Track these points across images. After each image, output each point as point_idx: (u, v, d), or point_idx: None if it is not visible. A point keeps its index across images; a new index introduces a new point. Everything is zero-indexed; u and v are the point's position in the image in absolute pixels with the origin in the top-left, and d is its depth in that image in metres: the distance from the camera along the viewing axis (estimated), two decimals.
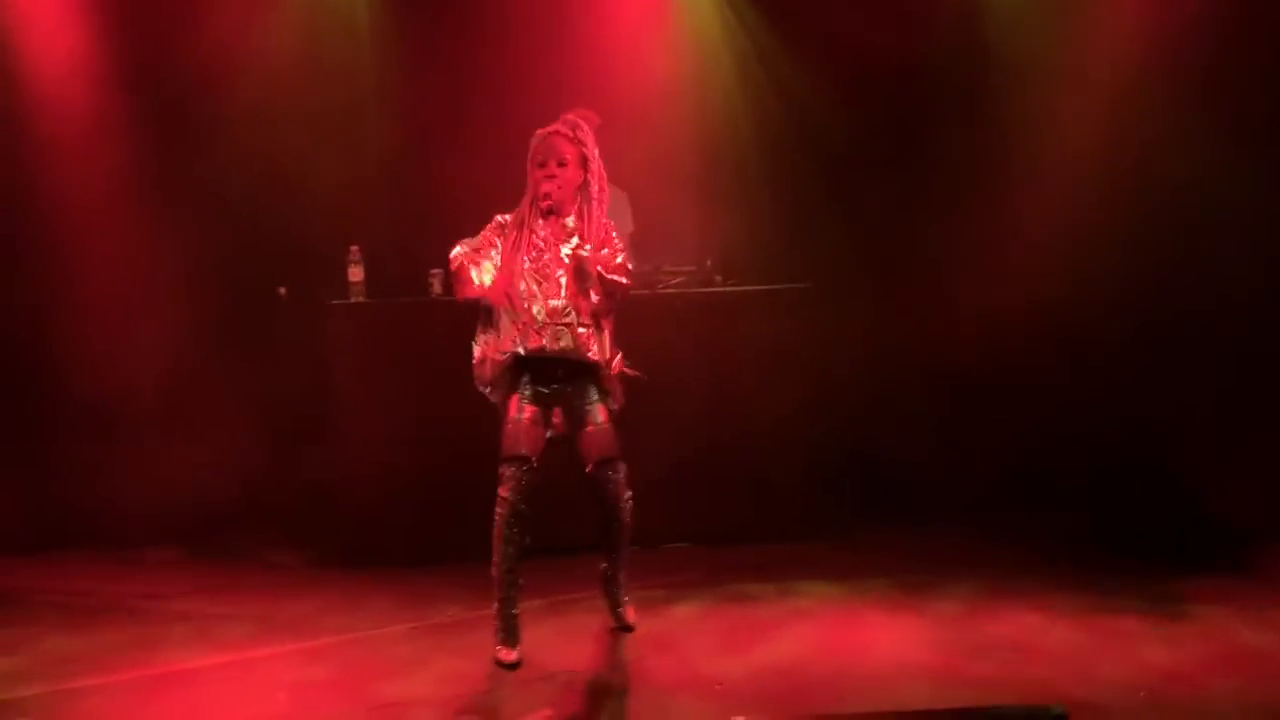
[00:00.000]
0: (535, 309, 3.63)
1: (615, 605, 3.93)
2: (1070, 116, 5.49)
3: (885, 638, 3.89)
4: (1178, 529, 4.82)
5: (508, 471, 3.66)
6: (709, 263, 5.46)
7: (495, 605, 3.72)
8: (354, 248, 5.03)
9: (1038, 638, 3.83)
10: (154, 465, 5.41)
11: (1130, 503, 5.11)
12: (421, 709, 3.36)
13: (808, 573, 4.63)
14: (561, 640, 3.89)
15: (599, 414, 3.71)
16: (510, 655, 3.66)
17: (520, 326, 3.65)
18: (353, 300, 5.03)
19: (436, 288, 5.13)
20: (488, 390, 3.79)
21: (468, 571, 4.68)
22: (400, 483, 4.95)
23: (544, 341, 3.63)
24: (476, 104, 5.81)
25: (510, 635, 3.69)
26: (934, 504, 5.37)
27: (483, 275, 3.62)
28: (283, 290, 5.46)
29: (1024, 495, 5.29)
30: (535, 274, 3.64)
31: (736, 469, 5.06)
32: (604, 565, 3.93)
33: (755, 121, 6.09)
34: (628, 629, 3.89)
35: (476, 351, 3.78)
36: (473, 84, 5.88)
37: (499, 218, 3.77)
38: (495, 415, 4.87)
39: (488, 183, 5.63)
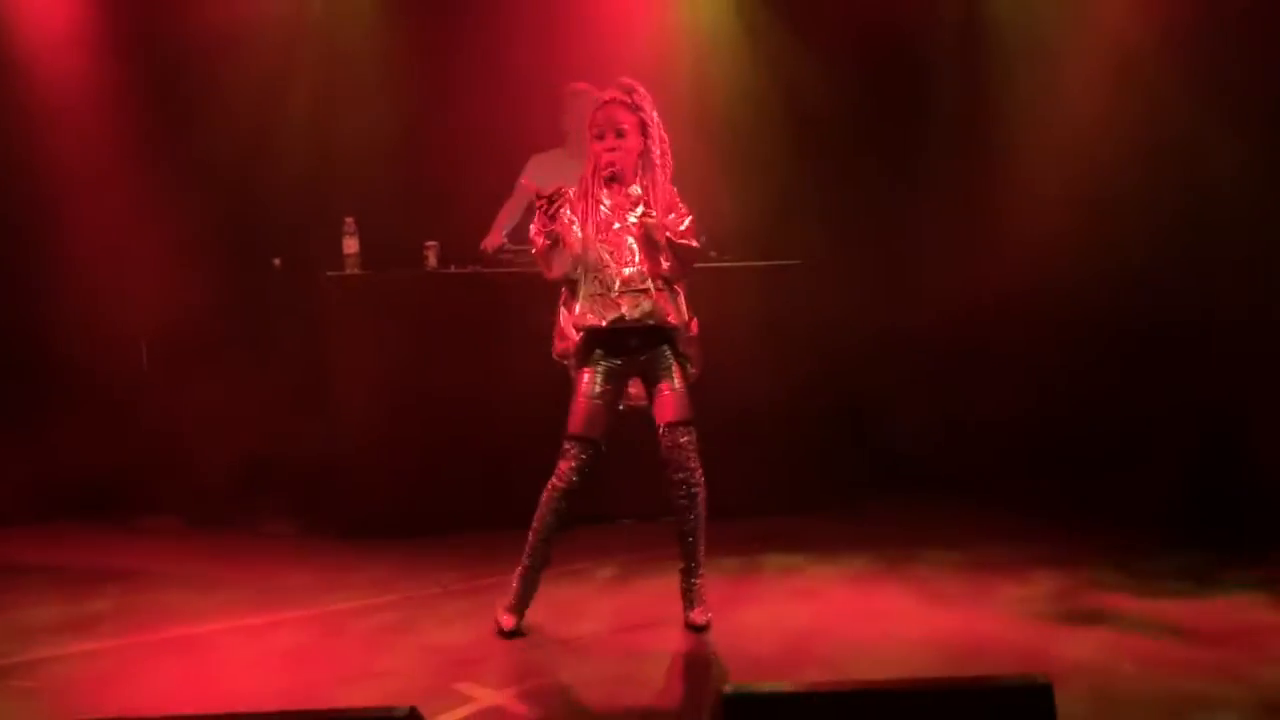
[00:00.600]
0: (610, 279, 3.60)
1: (686, 603, 3.74)
2: (1072, 95, 5.45)
3: (879, 608, 3.93)
4: (1173, 504, 4.84)
5: (572, 450, 3.62)
6: (704, 239, 5.45)
7: (519, 569, 3.70)
8: (349, 219, 5.02)
9: (1026, 609, 3.87)
10: (149, 435, 5.44)
11: (1128, 478, 5.13)
12: (414, 677, 3.38)
13: (804, 545, 4.66)
14: (556, 611, 3.90)
15: (675, 378, 3.65)
16: (510, 622, 3.67)
17: (596, 298, 3.61)
18: (347, 272, 5.03)
19: (431, 260, 5.14)
20: (567, 362, 3.75)
21: (462, 543, 4.77)
22: (395, 454, 4.97)
23: (622, 310, 3.59)
24: (471, 77, 5.79)
25: (520, 604, 3.69)
26: (932, 478, 5.40)
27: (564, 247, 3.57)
28: (277, 261, 5.45)
29: (1023, 469, 5.31)
30: (606, 244, 3.61)
31: (734, 444, 5.07)
32: (680, 565, 3.76)
33: (751, 98, 6.06)
34: (696, 629, 3.68)
35: (560, 322, 3.74)
36: (468, 57, 5.87)
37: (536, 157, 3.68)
38: (487, 384, 4.94)
39: (482, 155, 5.69)
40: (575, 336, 3.69)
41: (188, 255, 5.42)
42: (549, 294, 4.85)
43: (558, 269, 3.65)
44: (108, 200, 5.51)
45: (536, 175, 5.48)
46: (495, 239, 5.31)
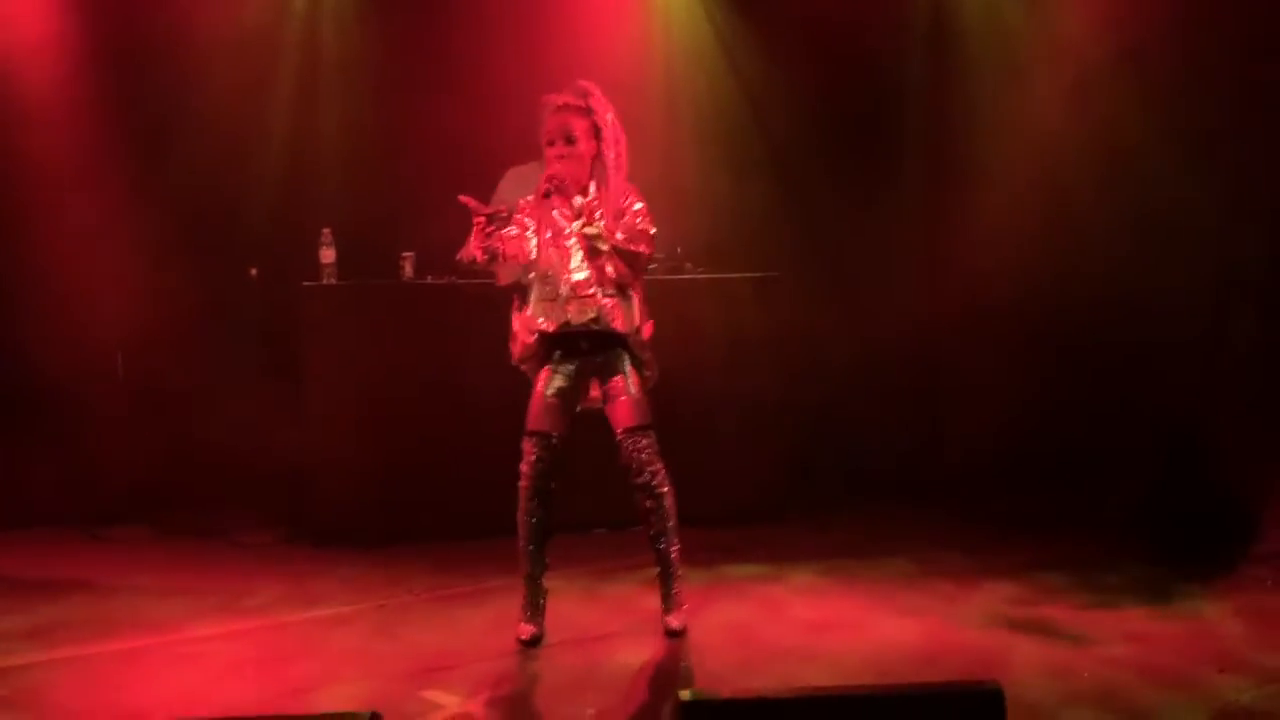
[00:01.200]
0: (560, 284, 3.63)
1: (664, 608, 3.75)
2: (1039, 106, 5.54)
3: (838, 617, 3.97)
4: (1134, 516, 4.90)
5: (529, 446, 3.66)
6: (679, 250, 5.51)
7: (522, 580, 3.73)
8: (326, 230, 5.05)
9: (986, 618, 3.92)
10: (123, 443, 5.46)
11: (1091, 489, 5.20)
12: (383, 683, 3.41)
13: (768, 554, 4.72)
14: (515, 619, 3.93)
15: (631, 383, 3.67)
16: (526, 631, 3.68)
17: (547, 303, 3.65)
18: (324, 282, 5.06)
19: (407, 270, 5.18)
20: (523, 366, 3.79)
21: (436, 551, 4.80)
22: (369, 462, 5.00)
23: (569, 316, 3.62)
24: (448, 88, 5.81)
25: (533, 612, 3.71)
26: (899, 488, 5.46)
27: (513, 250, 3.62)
28: (254, 271, 5.48)
29: (989, 480, 5.38)
30: (556, 249, 3.63)
31: (703, 452, 5.12)
32: (656, 569, 3.77)
33: (723, 110, 6.13)
34: (673, 634, 3.70)
35: (514, 326, 3.78)
36: (445, 67, 5.89)
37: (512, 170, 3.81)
38: (462, 394, 4.98)
39: (459, 166, 5.71)
40: (528, 339, 3.74)
41: (164, 264, 5.44)
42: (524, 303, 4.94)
43: (505, 277, 3.72)
44: (83, 209, 5.50)
45: (512, 188, 5.53)
46: (471, 250, 5.34)
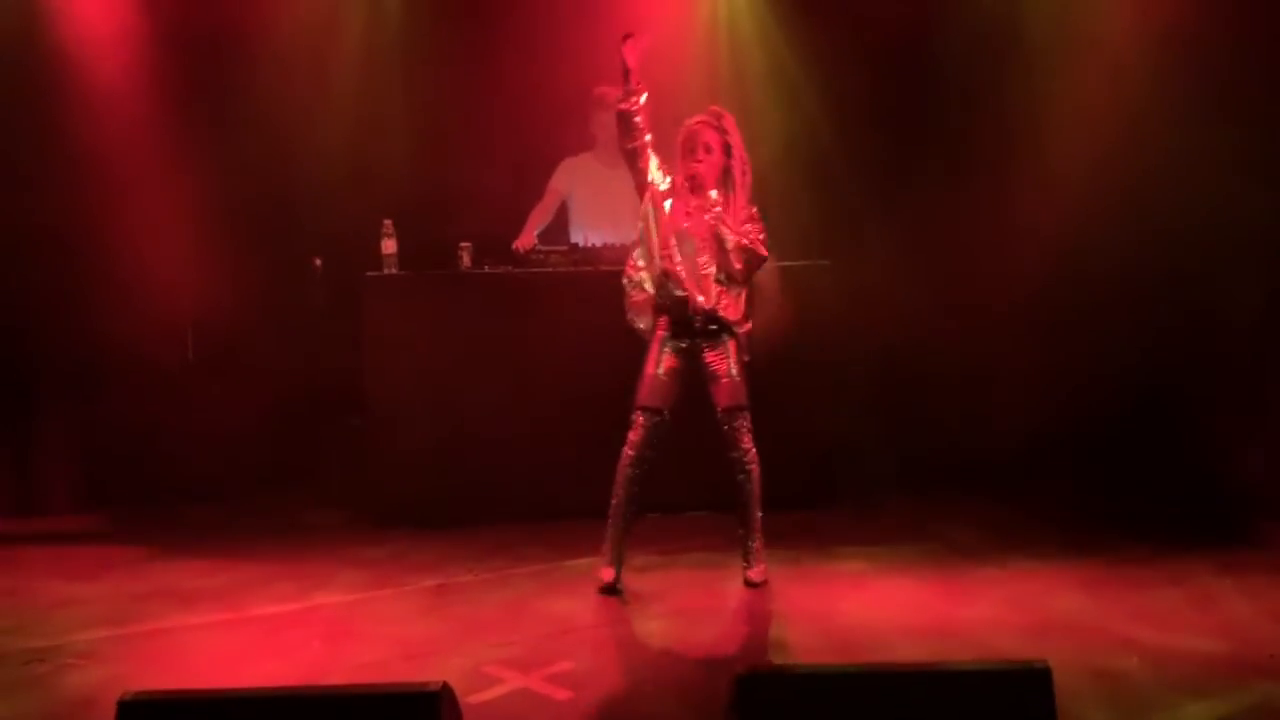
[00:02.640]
0: (682, 268, 4.04)
1: (745, 563, 4.18)
2: (1075, 105, 5.53)
3: (891, 598, 4.05)
4: (1192, 502, 4.91)
5: (640, 419, 4.08)
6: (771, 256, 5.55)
7: (607, 535, 4.11)
8: (387, 221, 5.18)
9: (1036, 601, 3.97)
10: (193, 426, 5.64)
11: (1122, 481, 5.21)
12: (446, 659, 3.53)
13: (827, 537, 4.79)
14: (584, 598, 4.06)
15: (732, 365, 4.10)
16: (609, 574, 4.08)
17: (671, 282, 4.08)
18: (386, 272, 5.19)
19: (465, 260, 5.29)
20: (638, 324, 4.19)
21: (494, 532, 4.92)
22: (430, 446, 5.11)
23: (689, 296, 4.04)
24: (505, 81, 5.92)
25: (615, 558, 4.11)
26: (954, 475, 5.50)
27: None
28: (318, 261, 5.63)
29: (1042, 470, 5.40)
30: (684, 238, 4.07)
31: (761, 438, 5.16)
32: (739, 529, 4.19)
33: (774, 101, 6.15)
34: (751, 585, 4.13)
35: (629, 285, 4.21)
36: (502, 61, 5.99)
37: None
38: (520, 380, 5.09)
39: (515, 159, 5.84)
40: (645, 297, 4.16)
41: (233, 252, 5.59)
42: (578, 294, 5.05)
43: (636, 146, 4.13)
44: (156, 198, 5.66)
45: (566, 179, 5.63)
46: (527, 240, 5.46)
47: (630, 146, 4.12)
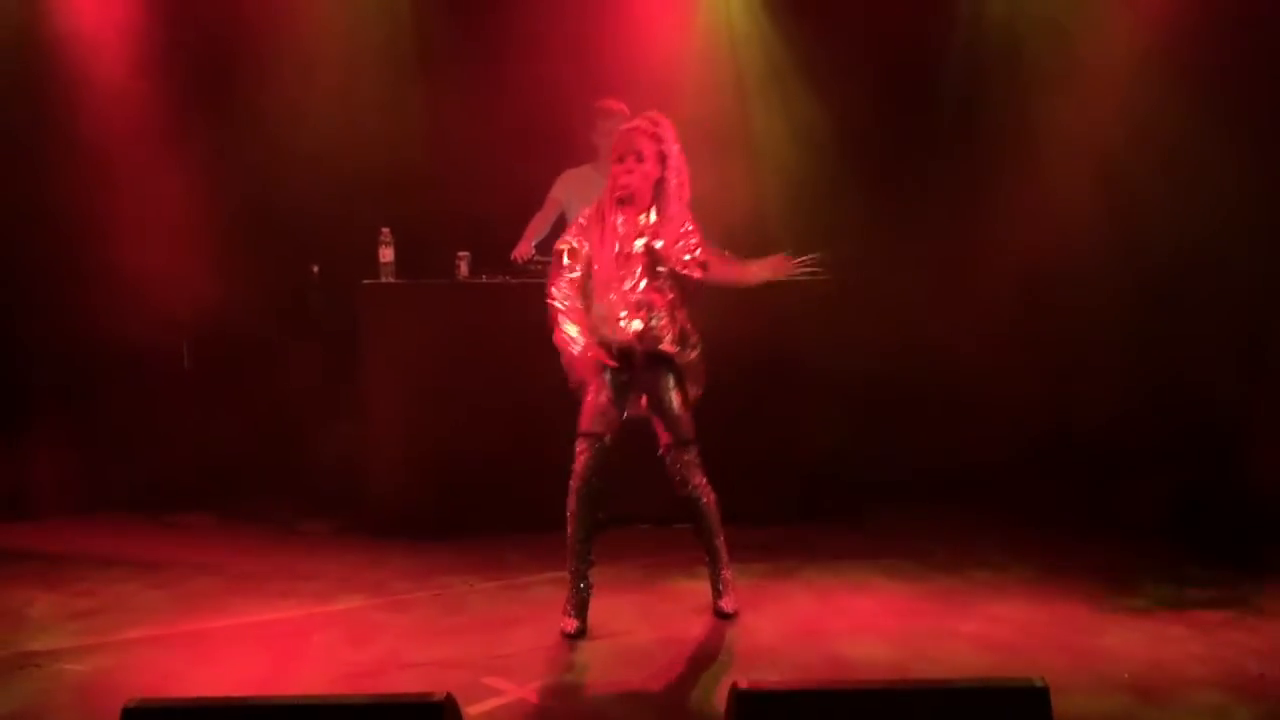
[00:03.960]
0: (612, 299, 3.79)
1: (715, 593, 4.02)
2: (1076, 116, 5.58)
3: (885, 614, 4.08)
4: (1196, 517, 4.95)
5: (580, 446, 3.85)
6: (726, 254, 5.59)
7: (568, 578, 3.91)
8: (385, 229, 5.20)
9: (1030, 617, 4.01)
10: (188, 432, 5.64)
11: (1148, 492, 5.23)
12: (443, 670, 3.55)
13: (818, 551, 4.82)
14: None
15: (674, 399, 3.86)
16: (570, 625, 3.84)
17: (599, 317, 3.82)
18: (383, 280, 5.21)
19: (463, 270, 5.31)
20: (578, 385, 3.92)
21: (490, 543, 4.93)
22: (426, 456, 5.13)
23: (621, 332, 3.79)
24: (503, 90, 5.94)
25: (577, 608, 3.87)
26: (947, 489, 5.54)
27: (572, 333, 3.82)
28: (316, 268, 5.65)
29: (1032, 479, 5.45)
30: (614, 266, 3.79)
31: (753, 452, 5.21)
32: (706, 560, 4.03)
33: (775, 113, 6.20)
34: (724, 617, 3.96)
35: (565, 351, 3.88)
36: (501, 71, 6.01)
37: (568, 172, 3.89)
38: (516, 390, 5.11)
39: (514, 169, 5.86)
40: (577, 354, 3.84)
41: (231, 258, 5.61)
42: None
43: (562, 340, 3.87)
44: (152, 203, 5.68)
45: (565, 190, 5.66)
46: (525, 249, 5.49)
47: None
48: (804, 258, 3.91)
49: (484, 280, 5.33)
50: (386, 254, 5.19)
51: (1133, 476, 5.24)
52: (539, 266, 5.38)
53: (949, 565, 4.60)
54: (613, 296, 3.80)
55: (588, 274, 3.85)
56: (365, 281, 5.20)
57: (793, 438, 5.31)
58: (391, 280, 5.21)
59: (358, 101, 5.93)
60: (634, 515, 5.06)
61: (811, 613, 4.09)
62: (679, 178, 3.81)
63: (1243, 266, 5.14)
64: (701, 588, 4.16)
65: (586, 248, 3.84)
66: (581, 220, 3.90)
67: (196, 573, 4.60)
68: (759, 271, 3.91)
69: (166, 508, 5.51)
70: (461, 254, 5.31)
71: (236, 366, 5.68)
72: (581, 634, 3.84)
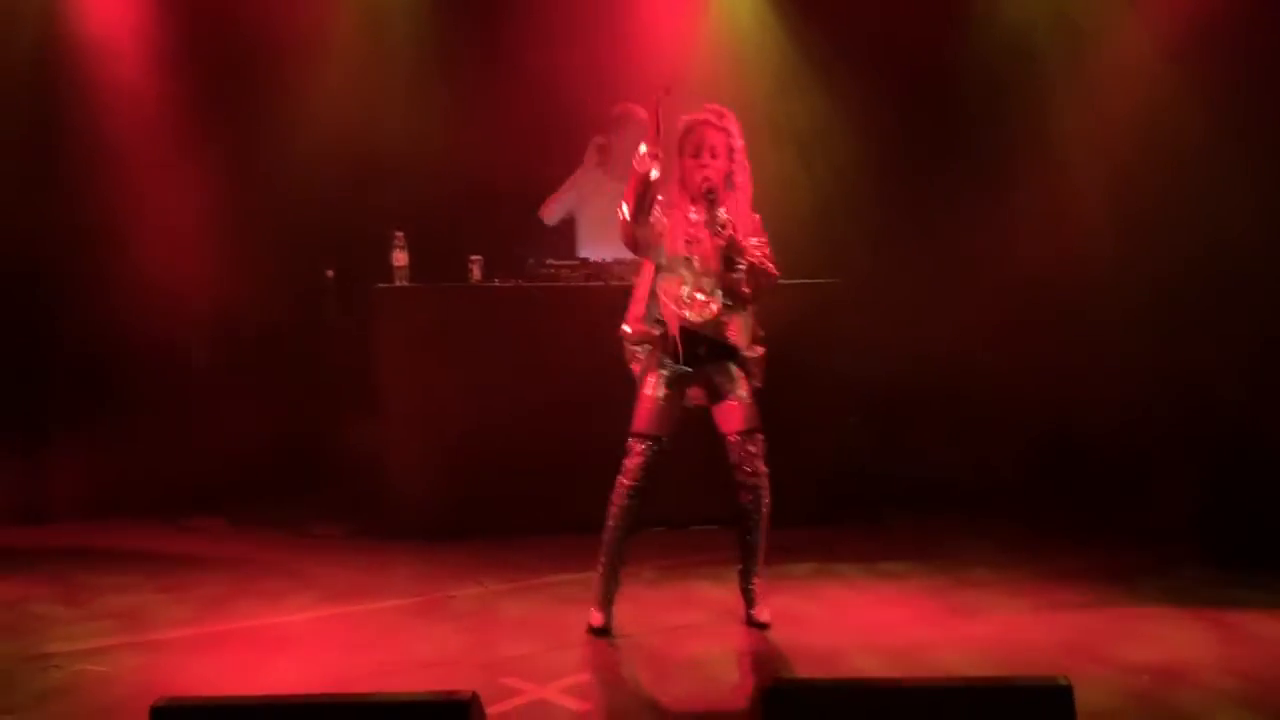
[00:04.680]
0: (685, 289, 3.75)
1: (747, 601, 3.94)
2: (1093, 121, 5.60)
3: (906, 614, 4.09)
4: (1207, 522, 4.95)
5: (638, 447, 3.79)
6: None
7: (598, 569, 3.88)
8: (398, 233, 5.22)
9: (1050, 619, 4.02)
10: (201, 436, 5.66)
11: (1159, 496, 5.24)
12: (462, 670, 3.56)
13: (835, 554, 4.83)
14: (585, 611, 4.06)
15: (741, 388, 3.83)
16: (599, 619, 3.84)
17: (672, 303, 3.77)
18: (397, 284, 5.22)
19: (475, 273, 5.33)
20: (633, 365, 3.87)
21: (503, 545, 4.94)
22: (440, 459, 5.15)
23: (692, 318, 3.74)
24: (518, 97, 5.97)
25: (605, 601, 3.86)
26: (963, 493, 5.55)
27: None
28: (330, 272, 5.67)
29: (1051, 488, 5.46)
30: (688, 256, 3.76)
31: (770, 455, 5.19)
32: (740, 565, 3.94)
33: (786, 114, 6.21)
34: (758, 626, 3.87)
35: (626, 327, 3.87)
36: (515, 77, 6.04)
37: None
38: (529, 393, 5.12)
39: (526, 174, 5.88)
40: (649, 329, 3.82)
41: (246, 262, 5.64)
42: (588, 308, 5.09)
43: (637, 244, 3.79)
44: (167, 207, 5.72)
45: (575, 194, 5.69)
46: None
47: (642, 233, 3.73)
48: None
49: (497, 284, 5.35)
50: (400, 258, 5.21)
51: (1146, 481, 5.25)
52: (551, 270, 5.40)
53: (965, 569, 4.60)
54: (686, 284, 3.75)
55: (661, 253, 3.79)
56: (379, 285, 5.22)
57: (810, 441, 5.31)
58: (405, 284, 5.23)
59: (372, 105, 5.97)
60: (650, 518, 5.06)
61: (827, 616, 4.10)
62: (744, 173, 3.80)
63: (1258, 270, 5.13)
64: (718, 591, 4.18)
65: (665, 225, 3.76)
66: (661, 200, 3.79)
67: (212, 575, 4.61)
68: None
69: (181, 511, 5.52)
70: (474, 258, 5.34)
71: (251, 370, 5.70)
72: (608, 629, 3.85)
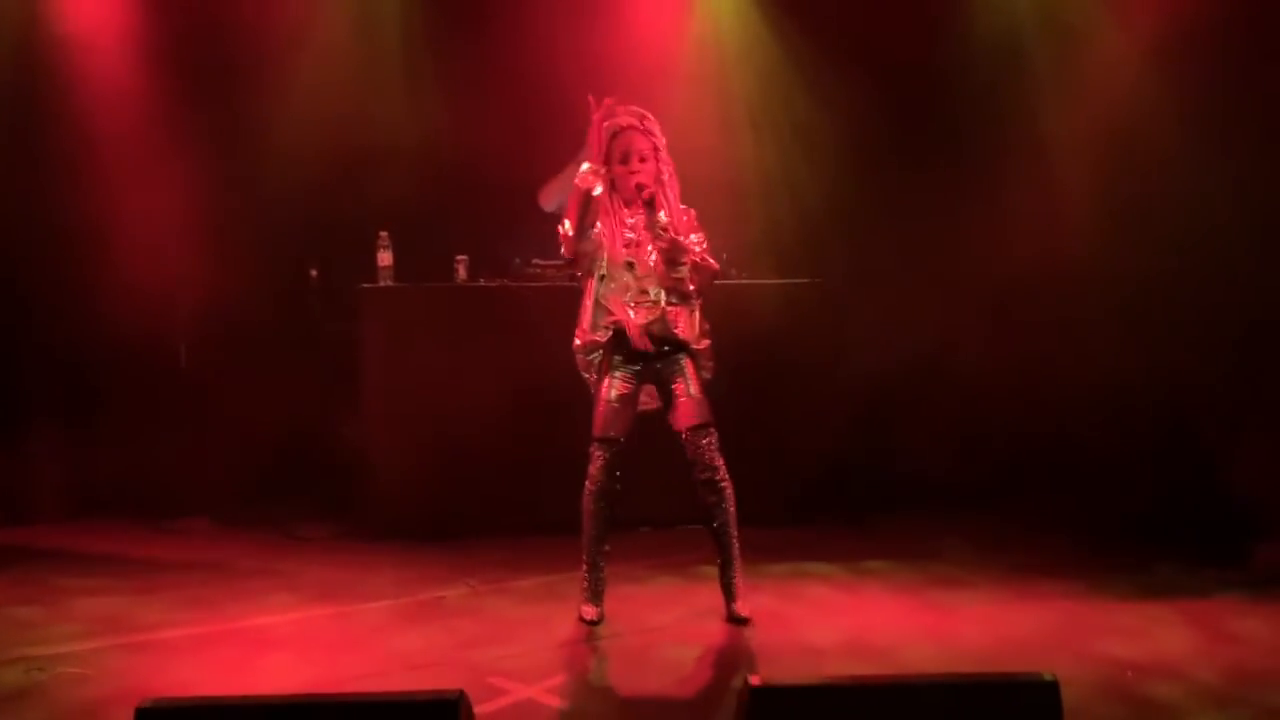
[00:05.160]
0: (629, 294, 3.87)
1: (727, 596, 3.99)
2: (1089, 120, 5.62)
3: (889, 613, 4.11)
4: (1185, 518, 4.98)
5: (597, 451, 3.92)
6: (725, 256, 5.62)
7: (582, 569, 3.99)
8: (383, 233, 5.21)
9: (1032, 616, 4.03)
10: (184, 436, 5.62)
11: (1137, 493, 5.28)
12: (448, 670, 3.56)
13: (816, 553, 4.84)
14: (575, 611, 4.07)
15: (692, 384, 3.92)
16: (592, 613, 3.94)
17: (616, 304, 3.88)
18: (381, 284, 5.21)
19: (461, 273, 5.33)
20: (588, 375, 4.00)
21: (491, 546, 4.94)
22: (425, 459, 5.14)
23: (639, 319, 3.85)
24: (506, 93, 5.93)
25: (594, 595, 3.98)
26: (944, 492, 5.57)
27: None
28: (314, 272, 5.65)
29: (1031, 486, 5.49)
30: (628, 259, 3.87)
31: (751, 455, 5.21)
32: (718, 560, 4.01)
33: (771, 114, 6.22)
34: (739, 621, 3.93)
35: (576, 340, 3.99)
36: (498, 74, 6.02)
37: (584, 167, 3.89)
38: (515, 393, 5.12)
39: (511, 173, 5.87)
40: (595, 336, 3.95)
41: (229, 262, 5.58)
42: (572, 306, 5.09)
43: (572, 249, 3.94)
44: (148, 206, 5.63)
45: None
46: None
47: (584, 246, 3.88)
48: None
49: (482, 283, 5.35)
50: (385, 258, 5.21)
51: (1126, 478, 5.28)
52: (537, 270, 5.40)
53: (948, 568, 4.62)
54: (631, 288, 3.86)
55: (601, 263, 3.91)
56: (364, 285, 5.21)
57: (792, 441, 5.34)
58: (390, 284, 5.22)
59: (355, 105, 5.92)
60: (635, 518, 5.08)
61: (810, 615, 4.10)
62: (669, 170, 3.90)
63: (1239, 268, 5.17)
64: (705, 589, 4.18)
65: (603, 235, 3.89)
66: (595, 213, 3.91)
67: (196, 576, 4.59)
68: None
69: (164, 512, 5.48)
70: (460, 257, 5.33)
71: (234, 370, 5.64)
72: (600, 620, 3.92)
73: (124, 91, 5.70)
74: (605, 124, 3.90)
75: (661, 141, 3.89)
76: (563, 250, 3.94)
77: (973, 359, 5.69)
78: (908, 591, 4.34)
